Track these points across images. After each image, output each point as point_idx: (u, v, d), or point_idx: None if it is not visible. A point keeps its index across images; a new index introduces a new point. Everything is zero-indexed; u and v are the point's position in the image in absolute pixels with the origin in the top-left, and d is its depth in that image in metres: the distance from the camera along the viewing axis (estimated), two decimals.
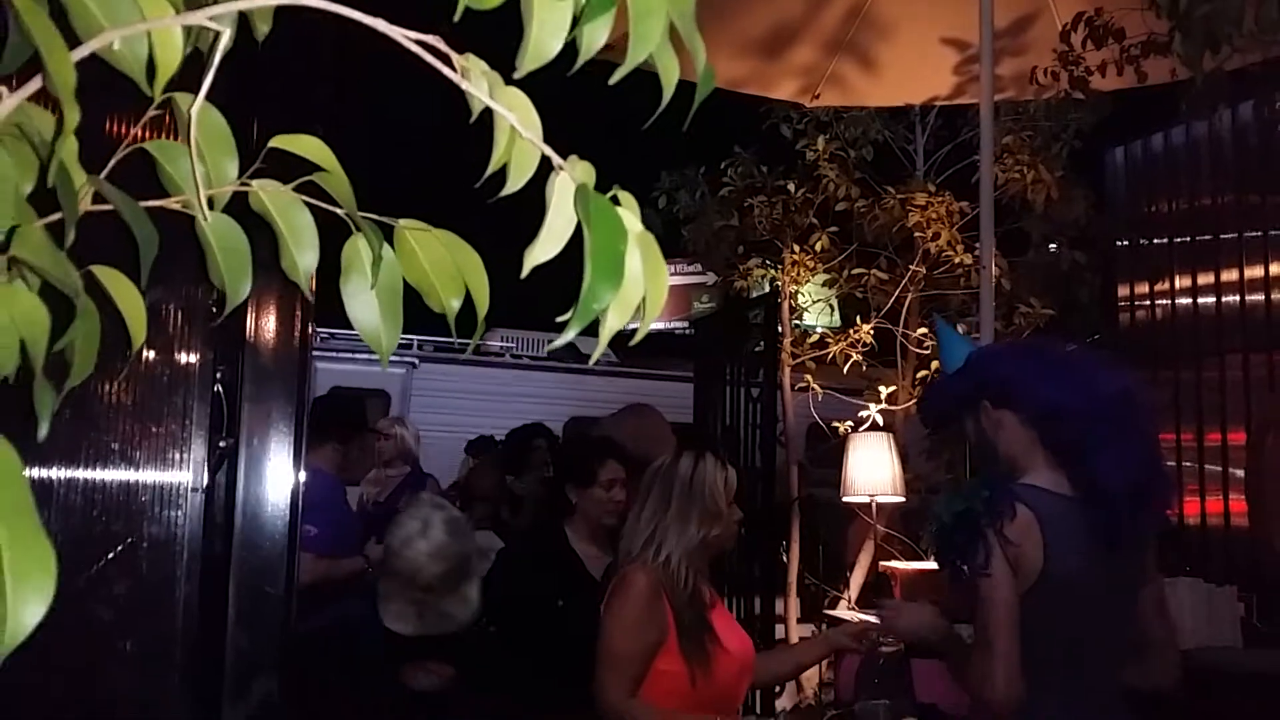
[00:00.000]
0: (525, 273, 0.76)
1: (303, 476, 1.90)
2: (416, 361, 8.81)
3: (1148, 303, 6.76)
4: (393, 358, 7.80)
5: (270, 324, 1.83)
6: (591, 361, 0.84)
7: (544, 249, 0.76)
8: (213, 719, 1.78)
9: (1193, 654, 3.91)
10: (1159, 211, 6.56)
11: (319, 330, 8.92)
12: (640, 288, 0.74)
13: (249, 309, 1.80)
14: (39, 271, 0.70)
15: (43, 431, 0.73)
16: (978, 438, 2.55)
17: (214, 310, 1.57)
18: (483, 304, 1.02)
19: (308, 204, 0.97)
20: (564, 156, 0.84)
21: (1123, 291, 7.20)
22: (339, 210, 0.97)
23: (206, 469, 1.66)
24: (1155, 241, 6.55)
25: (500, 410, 7.88)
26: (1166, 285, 6.67)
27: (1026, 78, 5.17)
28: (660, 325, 16.48)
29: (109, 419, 1.64)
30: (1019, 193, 6.05)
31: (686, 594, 2.73)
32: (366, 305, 1.03)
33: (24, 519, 0.59)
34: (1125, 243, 6.76)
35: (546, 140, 0.86)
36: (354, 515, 5.04)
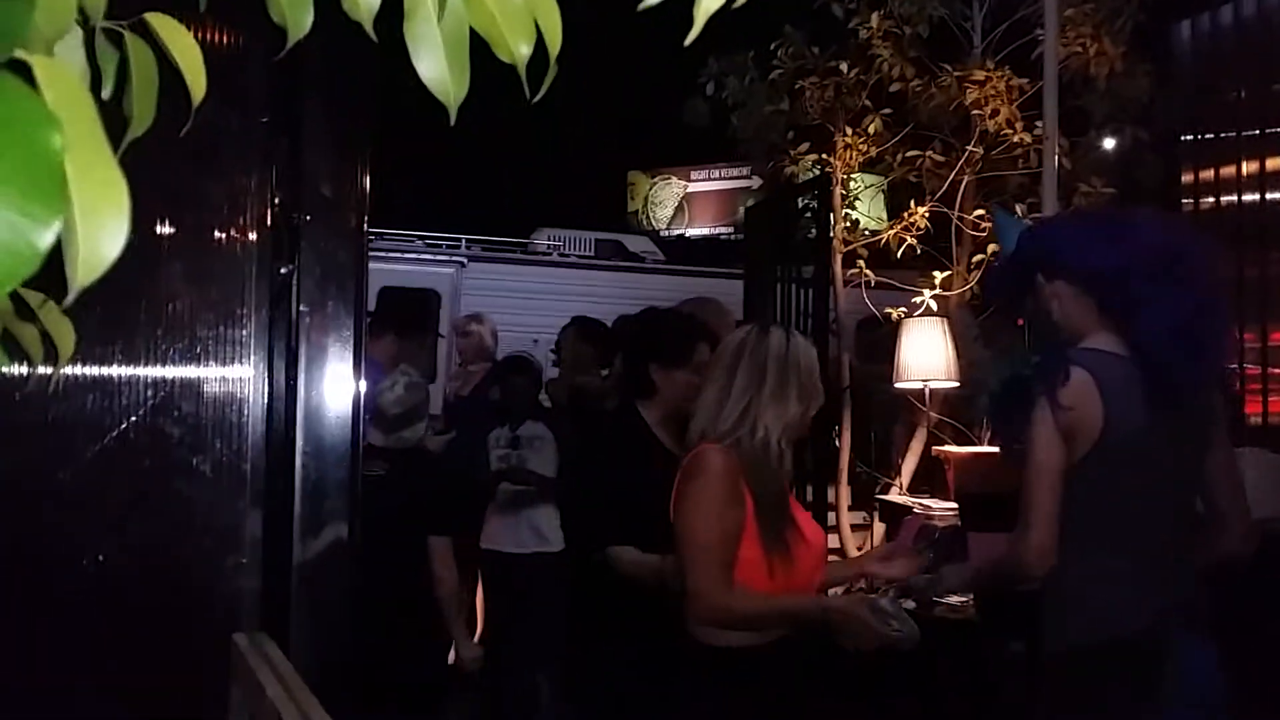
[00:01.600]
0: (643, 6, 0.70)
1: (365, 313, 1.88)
2: (465, 260, 8.80)
3: (1212, 190, 6.56)
4: (441, 257, 7.90)
5: (327, 157, 1.79)
6: (689, 39, 0.79)
7: None
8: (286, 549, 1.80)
9: (1260, 525, 3.84)
10: (1226, 91, 6.32)
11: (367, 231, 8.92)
12: None
13: (304, 141, 1.76)
14: None
15: (106, 91, 0.69)
16: (1037, 315, 2.50)
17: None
18: (554, 45, 0.96)
19: None
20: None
21: (1186, 177, 6.99)
22: None
23: (269, 296, 1.64)
24: (1220, 125, 6.33)
25: (549, 309, 7.86)
26: (1232, 171, 6.46)
27: None
28: (705, 230, 16.36)
29: (173, 247, 1.63)
30: (1081, 68, 5.83)
31: (772, 477, 2.54)
32: (432, 55, 0.98)
33: (96, 150, 0.56)
34: (1190, 123, 6.54)
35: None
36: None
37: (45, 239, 0.51)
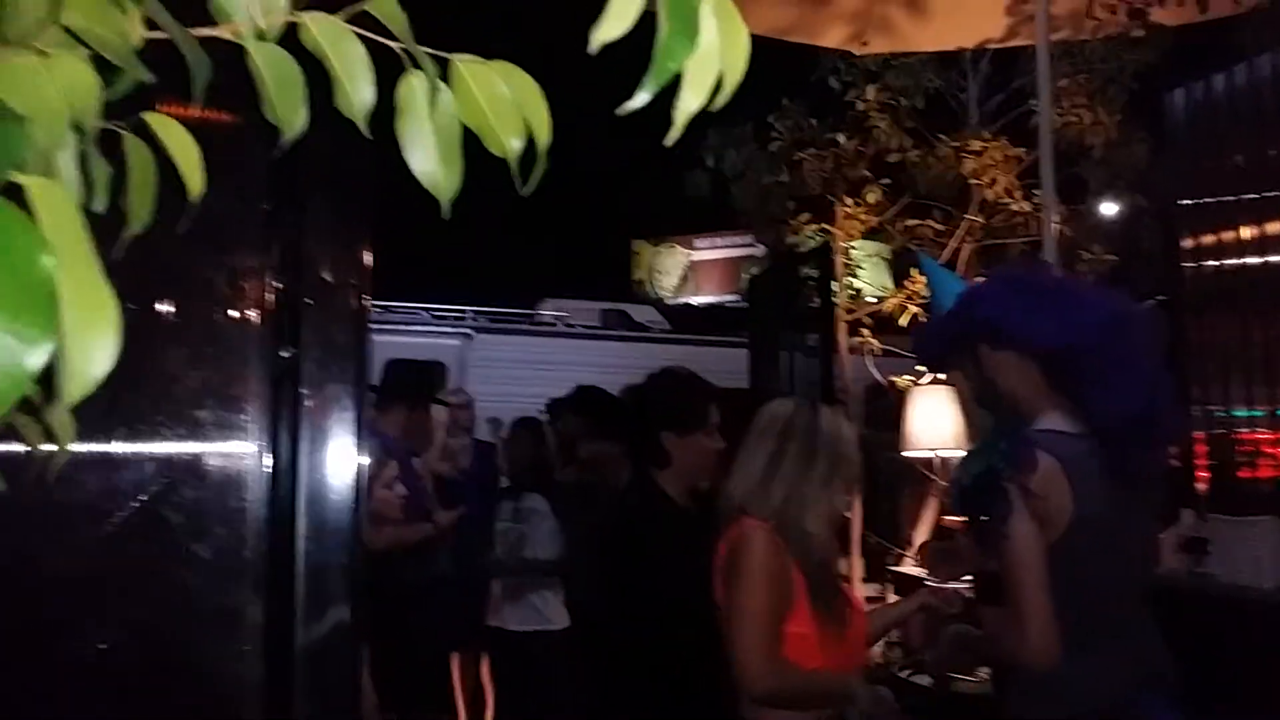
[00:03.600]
0: (594, 49, 0.72)
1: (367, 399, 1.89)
2: (472, 333, 8.86)
3: (1214, 253, 6.58)
4: (448, 329, 7.98)
5: (328, 241, 1.82)
6: (670, 139, 0.81)
7: (612, 26, 0.72)
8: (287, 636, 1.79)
9: (1274, 594, 3.81)
10: (1222, 157, 6.38)
11: (373, 304, 9.00)
12: (716, 61, 0.70)
13: (305, 226, 1.79)
14: (89, 39, 0.68)
15: (99, 204, 0.71)
16: (978, 381, 2.43)
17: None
18: (543, 137, 0.98)
19: (360, 35, 0.95)
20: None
21: (1186, 242, 7.02)
22: (394, 43, 0.95)
23: (269, 384, 1.65)
24: (1218, 189, 6.37)
25: (555, 379, 7.87)
26: (1233, 235, 6.50)
27: (1082, 15, 5.04)
28: (711, 298, 16.44)
29: (171, 329, 1.64)
30: (1076, 137, 5.91)
31: (821, 555, 2.51)
32: (424, 149, 1.00)
33: (85, 268, 0.57)
34: (1187, 189, 6.59)
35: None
36: (422, 482, 5.08)
37: (37, 360, 0.52)
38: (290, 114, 0.95)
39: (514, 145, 1.00)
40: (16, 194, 0.57)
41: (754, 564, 2.42)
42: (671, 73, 0.67)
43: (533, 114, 0.99)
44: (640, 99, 0.69)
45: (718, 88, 0.72)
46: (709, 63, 0.70)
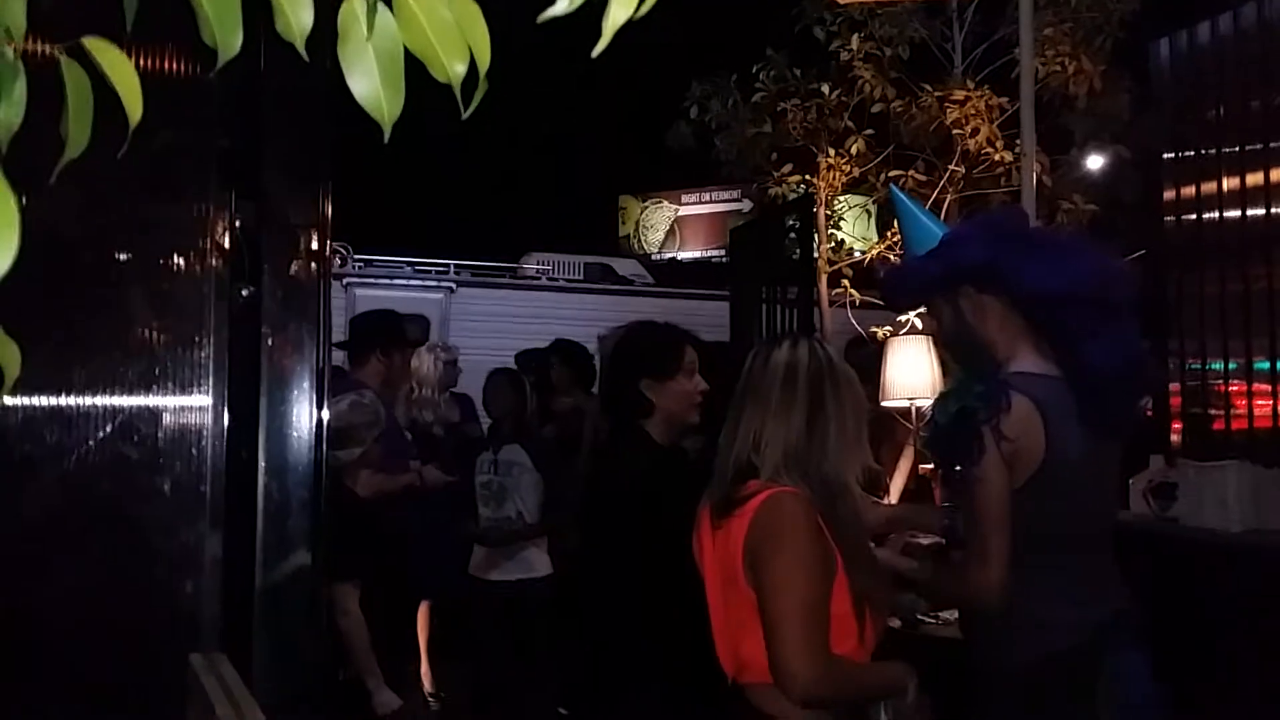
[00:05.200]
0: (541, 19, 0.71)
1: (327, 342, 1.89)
2: (454, 286, 8.82)
3: (1194, 205, 6.58)
4: (430, 282, 7.91)
5: (288, 179, 1.80)
6: (596, 51, 0.80)
7: None
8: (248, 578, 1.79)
9: (1242, 536, 3.86)
10: (1205, 109, 6.35)
11: (355, 258, 8.96)
12: None
13: (264, 163, 1.77)
14: None
15: (12, 111, 0.70)
16: (955, 323, 2.44)
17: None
18: (484, 61, 0.97)
19: None
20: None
21: (1168, 194, 7.02)
22: None
23: (228, 317, 1.65)
24: (1201, 141, 6.36)
25: (538, 332, 7.87)
26: (1214, 188, 6.49)
27: None
28: (697, 253, 16.39)
29: (130, 271, 1.63)
30: (1060, 86, 5.88)
31: (856, 521, 2.18)
32: (366, 73, 0.99)
33: None
34: (1170, 140, 6.57)
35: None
36: (401, 431, 5.08)
37: None
38: (227, 36, 0.94)
39: (457, 70, 1.00)
40: None
41: (798, 541, 2.03)
42: None
43: (474, 37, 0.98)
44: (559, 6, 0.68)
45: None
46: None
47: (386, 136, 1.04)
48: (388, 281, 8.65)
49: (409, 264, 9.28)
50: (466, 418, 6.05)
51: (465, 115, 1.01)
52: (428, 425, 5.55)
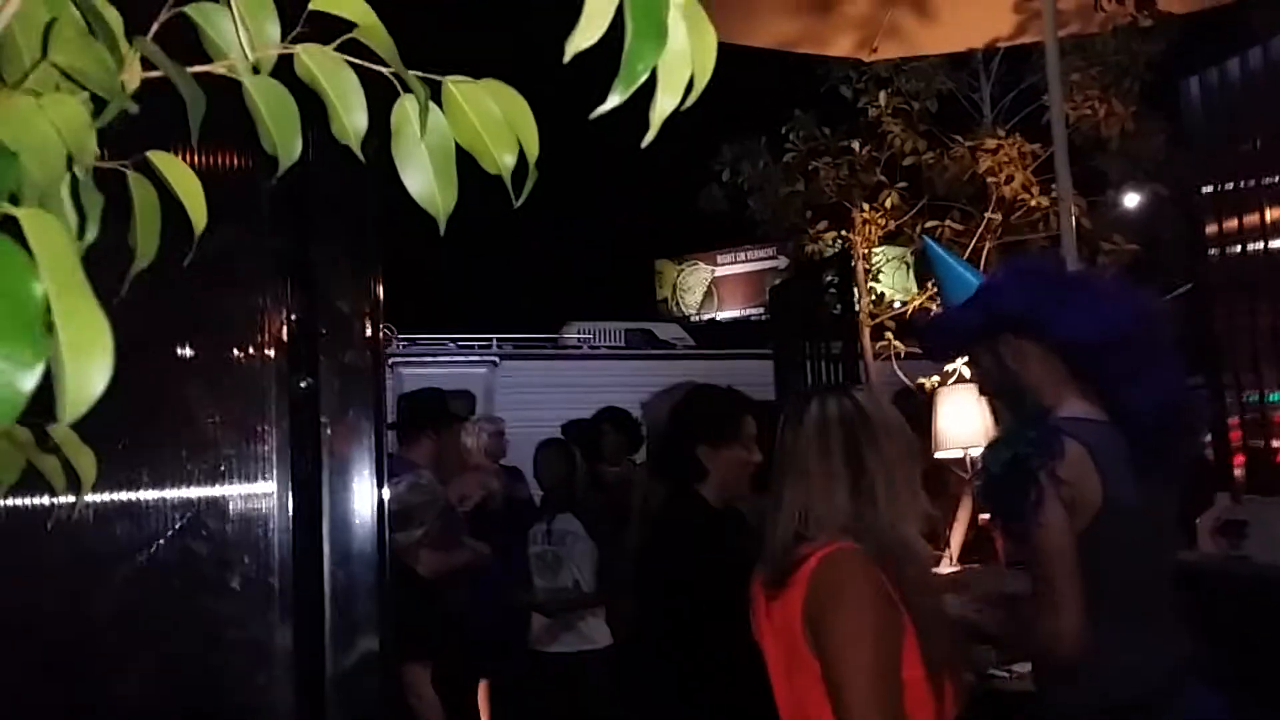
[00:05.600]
0: (568, 58, 0.74)
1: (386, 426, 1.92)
2: (498, 360, 8.91)
3: (1237, 238, 6.51)
4: (474, 358, 8.00)
5: (339, 271, 1.85)
6: (646, 141, 0.82)
7: (585, 35, 0.74)
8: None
9: None
10: (1241, 142, 6.32)
11: (400, 337, 9.08)
12: (687, 61, 0.71)
13: (315, 256, 1.82)
14: (78, 76, 0.70)
15: (90, 235, 0.73)
16: (998, 371, 2.42)
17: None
18: (533, 152, 1.00)
19: (352, 64, 0.97)
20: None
21: (1210, 228, 6.96)
22: (385, 69, 0.97)
23: (289, 410, 1.68)
24: (1238, 174, 6.31)
25: (583, 401, 7.91)
26: (1256, 220, 6.42)
27: (1090, 8, 5.03)
28: (735, 313, 16.43)
29: (192, 370, 1.67)
30: (1092, 129, 5.89)
31: (926, 578, 2.05)
32: (420, 170, 1.03)
33: (78, 294, 0.59)
34: (1207, 175, 6.53)
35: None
36: (454, 508, 5.10)
37: (28, 382, 0.54)
38: (287, 143, 0.98)
39: (506, 161, 1.03)
40: (11, 227, 0.59)
41: (861, 600, 1.88)
42: (640, 75, 0.69)
43: (522, 129, 1.02)
44: (611, 101, 0.71)
45: (689, 88, 0.74)
46: (679, 64, 0.71)
47: (442, 229, 1.07)
48: (432, 359, 8.76)
49: (452, 340, 9.40)
50: (511, 491, 6.06)
51: (517, 204, 1.03)
52: (482, 499, 5.57)
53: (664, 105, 0.72)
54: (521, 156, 1.01)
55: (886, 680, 1.85)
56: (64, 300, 0.58)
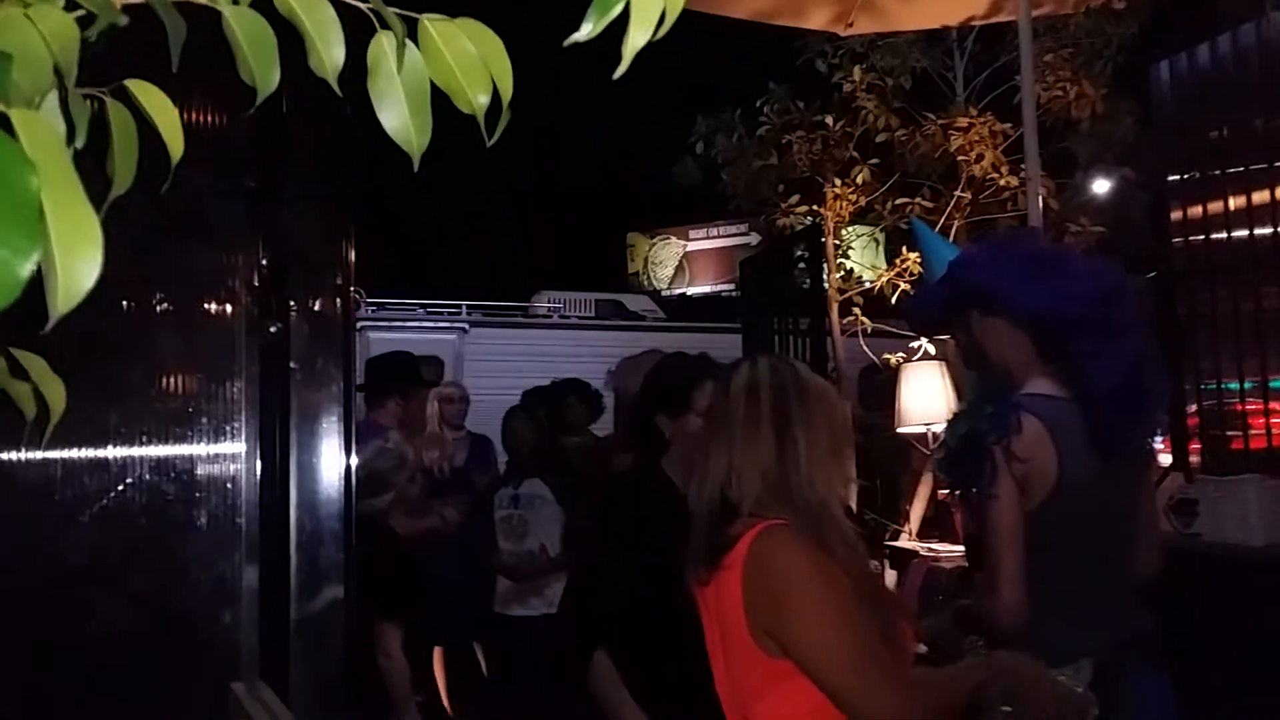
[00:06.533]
0: (568, 43, 0.76)
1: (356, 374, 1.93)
2: (467, 326, 8.90)
3: (1201, 225, 6.60)
4: (443, 324, 7.99)
5: (312, 217, 1.85)
6: (619, 73, 0.84)
7: None
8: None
9: (1265, 550, 3.85)
10: (1209, 129, 6.40)
11: (369, 301, 9.04)
12: None
13: (289, 202, 1.82)
14: None
15: (79, 142, 0.75)
16: (969, 347, 2.48)
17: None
18: (507, 92, 1.02)
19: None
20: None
21: (1175, 215, 7.05)
22: (362, 4, 0.98)
23: (258, 352, 1.69)
24: (1206, 161, 6.39)
25: (551, 370, 7.92)
26: (1220, 206, 6.51)
27: None
28: (707, 288, 16.46)
29: (164, 313, 1.68)
30: (1063, 110, 5.94)
31: (856, 549, 1.91)
32: (395, 106, 1.04)
33: (70, 190, 0.61)
34: (1175, 161, 6.61)
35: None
36: (423, 471, 5.12)
37: (25, 269, 0.56)
38: (265, 73, 0.99)
39: (480, 101, 1.04)
40: (3, 125, 0.61)
41: (809, 577, 1.78)
42: (612, 6, 0.70)
43: (497, 70, 1.03)
44: (584, 31, 0.73)
45: (661, 22, 0.76)
46: None
47: (415, 165, 1.08)
48: (401, 324, 8.73)
49: (421, 306, 9.37)
50: (480, 459, 6.08)
51: (490, 143, 1.05)
52: (437, 466, 5.59)
53: (636, 39, 0.74)
54: (496, 98, 1.03)
55: (877, 648, 1.76)
56: (56, 197, 0.59)
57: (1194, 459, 6.41)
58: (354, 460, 1.85)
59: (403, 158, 1.06)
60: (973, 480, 2.26)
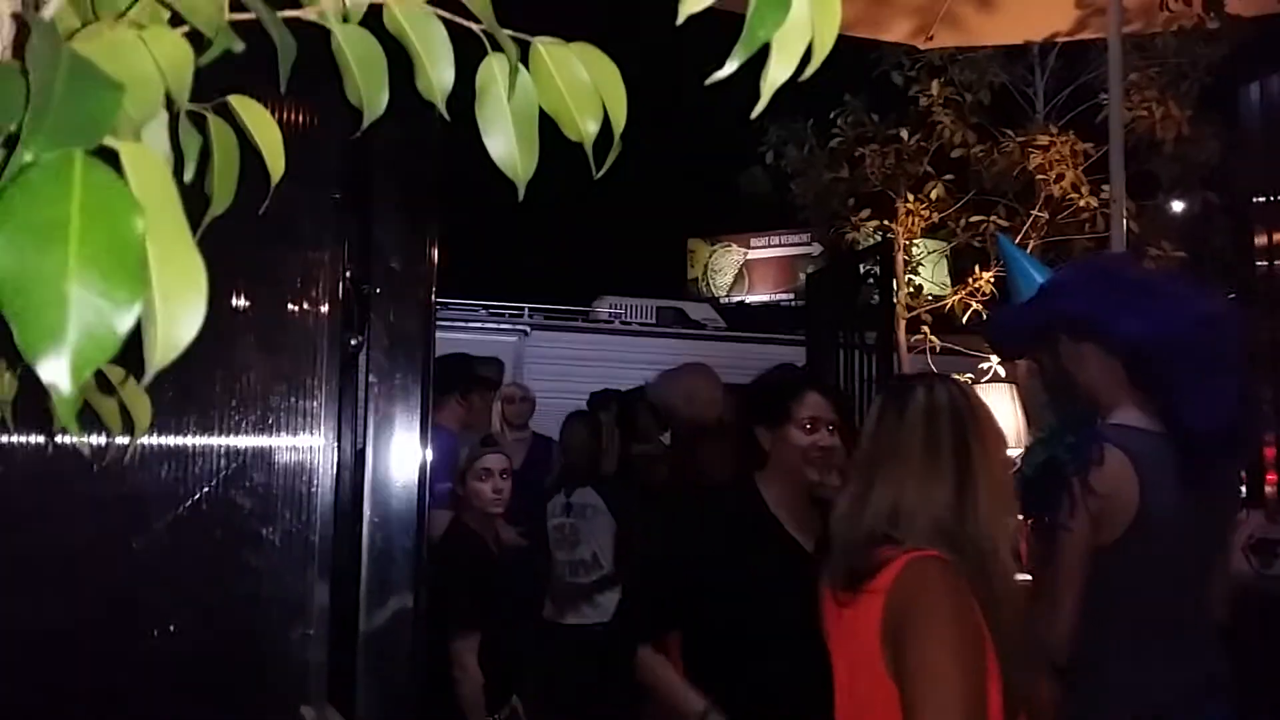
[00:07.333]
0: (680, 20, 0.71)
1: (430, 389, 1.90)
2: (529, 329, 8.91)
3: None
4: (505, 326, 7.98)
5: (396, 230, 1.83)
6: (757, 111, 0.80)
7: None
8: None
9: None
10: None
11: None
12: (807, 29, 0.68)
13: (374, 216, 1.80)
14: (183, 11, 0.68)
15: (189, 174, 0.72)
16: (1055, 372, 2.38)
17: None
18: (619, 121, 0.97)
19: (442, 19, 0.95)
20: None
21: (1259, 240, 6.85)
22: (475, 25, 0.94)
23: (338, 368, 1.67)
24: None
25: (610, 376, 7.90)
26: None
27: (1155, 7, 4.93)
28: (765, 296, 16.36)
29: (245, 320, 1.66)
30: (1147, 131, 5.79)
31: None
32: (502, 133, 1.00)
33: (176, 234, 0.57)
34: (1261, 185, 6.42)
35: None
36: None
37: (125, 322, 0.52)
38: (374, 95, 0.95)
39: (590, 128, 1.00)
40: (110, 160, 0.57)
41: (951, 618, 1.67)
42: (761, 41, 0.65)
43: (610, 97, 0.99)
44: (729, 67, 0.68)
45: (807, 60, 0.71)
46: (800, 31, 0.68)
47: (521, 195, 1.04)
48: (463, 324, 8.76)
49: (483, 307, 9.40)
50: (543, 460, 6.05)
51: (597, 175, 1.01)
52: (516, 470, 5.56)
53: (776, 75, 0.70)
54: (606, 126, 0.98)
55: (978, 703, 1.64)
56: (161, 240, 0.55)
57: (1269, 489, 6.23)
58: (428, 476, 1.82)
59: (479, 165, 1.02)
60: (1047, 510, 2.19)
